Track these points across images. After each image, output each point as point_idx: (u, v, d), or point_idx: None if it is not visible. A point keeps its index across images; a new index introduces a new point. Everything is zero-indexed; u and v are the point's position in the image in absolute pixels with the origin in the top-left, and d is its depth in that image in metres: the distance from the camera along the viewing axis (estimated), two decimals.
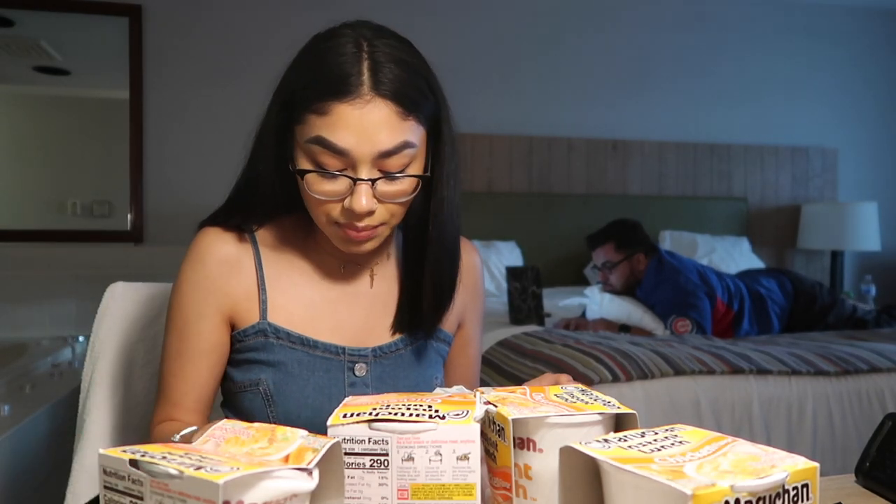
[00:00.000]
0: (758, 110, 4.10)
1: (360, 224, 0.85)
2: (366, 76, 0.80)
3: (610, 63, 3.87)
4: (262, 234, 0.97)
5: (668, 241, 3.74)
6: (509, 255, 3.47)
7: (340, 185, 0.83)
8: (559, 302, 3.17)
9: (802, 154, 4.17)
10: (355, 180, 0.82)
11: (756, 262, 3.74)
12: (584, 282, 3.54)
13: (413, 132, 0.83)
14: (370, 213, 0.84)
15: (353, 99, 0.80)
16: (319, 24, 0.90)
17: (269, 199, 0.92)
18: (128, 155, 3.22)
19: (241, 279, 0.94)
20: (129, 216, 3.23)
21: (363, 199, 0.82)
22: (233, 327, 0.95)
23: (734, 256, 3.71)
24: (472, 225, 3.31)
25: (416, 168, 0.86)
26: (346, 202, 0.83)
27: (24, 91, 3.20)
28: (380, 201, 0.84)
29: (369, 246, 0.89)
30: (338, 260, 0.97)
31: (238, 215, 0.94)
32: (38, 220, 3.17)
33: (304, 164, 0.84)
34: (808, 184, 4.18)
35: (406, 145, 0.82)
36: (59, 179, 3.20)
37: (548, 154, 3.78)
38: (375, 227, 0.87)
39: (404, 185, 0.85)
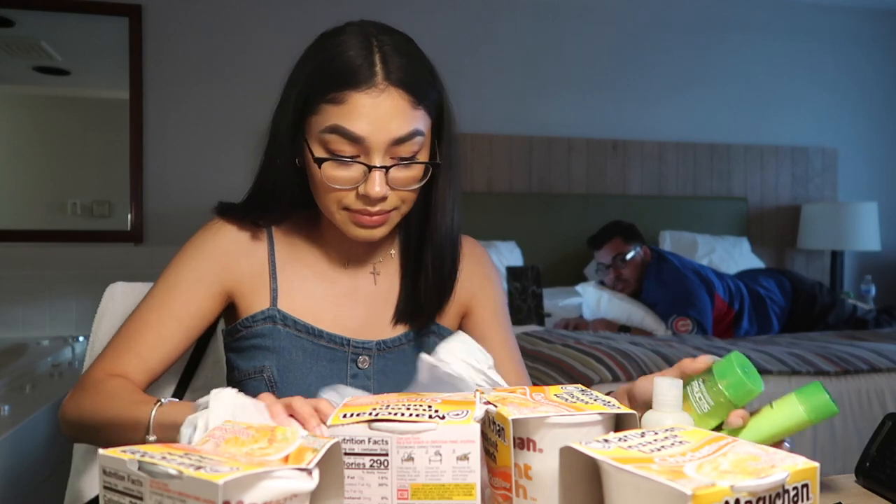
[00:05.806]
0: (758, 110, 4.10)
1: (374, 209, 0.87)
2: (379, 66, 0.84)
3: (610, 63, 3.86)
4: (277, 226, 0.99)
5: (668, 241, 3.73)
6: (509, 255, 3.46)
7: (355, 171, 0.86)
8: (559, 302, 3.17)
9: (802, 154, 4.16)
10: (370, 167, 0.84)
11: (756, 262, 3.74)
12: (584, 282, 3.54)
13: (422, 121, 0.87)
14: (384, 198, 0.87)
15: (369, 88, 0.83)
16: (320, 25, 0.92)
17: (288, 195, 0.93)
18: (128, 155, 3.21)
19: (252, 262, 0.96)
20: (129, 216, 3.23)
21: (377, 184, 0.85)
22: (238, 314, 0.96)
23: (734, 256, 3.71)
24: (472, 225, 3.24)
25: (424, 156, 0.90)
26: (361, 188, 0.86)
27: (24, 91, 3.20)
28: (392, 188, 0.87)
29: (379, 232, 0.91)
30: (342, 256, 0.99)
31: (256, 212, 0.96)
32: (38, 220, 3.17)
33: (319, 153, 0.86)
34: (808, 184, 4.18)
35: (417, 133, 0.86)
36: (59, 179, 3.19)
37: (548, 154, 3.77)
38: (387, 212, 0.89)
39: (415, 172, 0.88)
